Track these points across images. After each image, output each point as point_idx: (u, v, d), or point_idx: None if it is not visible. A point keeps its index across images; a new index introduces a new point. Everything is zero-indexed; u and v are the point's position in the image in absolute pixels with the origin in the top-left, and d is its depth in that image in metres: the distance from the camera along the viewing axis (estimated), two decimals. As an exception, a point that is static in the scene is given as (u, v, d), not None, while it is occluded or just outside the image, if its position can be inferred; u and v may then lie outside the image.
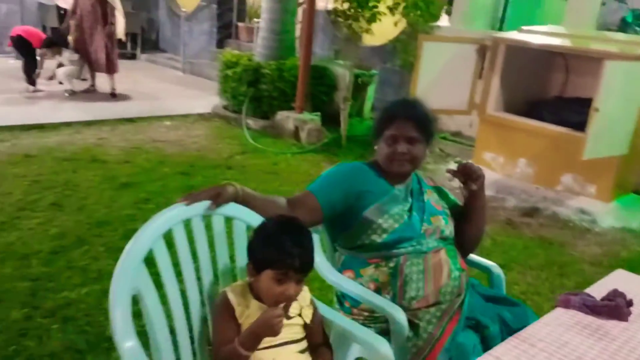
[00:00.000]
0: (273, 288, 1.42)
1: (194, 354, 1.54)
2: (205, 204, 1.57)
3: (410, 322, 1.69)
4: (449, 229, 1.88)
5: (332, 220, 1.85)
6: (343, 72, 5.93)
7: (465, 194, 1.90)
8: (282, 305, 1.41)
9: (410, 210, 1.85)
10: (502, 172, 5.12)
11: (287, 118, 5.99)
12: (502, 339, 1.73)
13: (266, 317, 1.38)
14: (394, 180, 1.90)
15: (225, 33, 9.90)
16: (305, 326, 1.53)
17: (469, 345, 1.67)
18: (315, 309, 1.56)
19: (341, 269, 1.89)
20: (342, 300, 1.87)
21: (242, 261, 1.65)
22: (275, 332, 1.38)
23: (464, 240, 1.93)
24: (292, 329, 1.51)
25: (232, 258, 1.66)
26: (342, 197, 1.84)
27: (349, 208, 1.83)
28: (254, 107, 6.27)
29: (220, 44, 9.76)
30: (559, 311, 1.45)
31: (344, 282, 1.82)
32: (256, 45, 6.85)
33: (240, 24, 9.70)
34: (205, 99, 7.32)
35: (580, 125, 4.32)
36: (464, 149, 5.80)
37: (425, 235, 1.82)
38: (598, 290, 1.53)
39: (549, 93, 5.51)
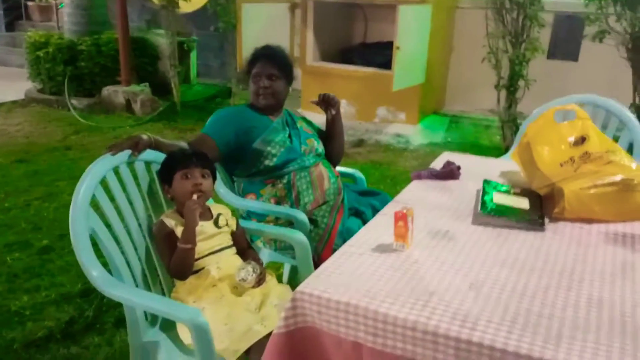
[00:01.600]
0: (184, 185, 1.79)
1: (144, 274, 1.82)
2: (128, 152, 1.82)
3: (309, 220, 2.14)
4: (320, 147, 2.35)
5: (227, 155, 2.20)
6: (164, 41, 6.03)
7: (329, 117, 2.38)
8: (196, 196, 1.79)
9: (290, 137, 2.28)
10: (328, 114, 5.78)
11: (115, 92, 5.94)
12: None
13: (187, 208, 1.75)
14: (269, 114, 2.31)
15: (14, 14, 9.07)
16: (232, 234, 1.89)
17: (354, 227, 2.18)
18: (237, 219, 1.93)
19: (243, 194, 2.26)
20: (248, 219, 2.25)
21: (165, 195, 1.95)
22: (195, 217, 1.74)
23: (331, 155, 2.42)
24: (224, 237, 1.86)
25: (156, 195, 1.94)
26: (234, 135, 2.20)
27: (241, 144, 2.20)
28: (75, 86, 6.07)
29: (11, 27, 8.95)
30: (414, 183, 2.01)
31: (250, 203, 2.20)
32: (62, 22, 6.55)
33: (30, 3, 8.97)
34: (10, 86, 6.83)
35: (385, 64, 5.13)
36: (294, 99, 6.35)
37: (304, 154, 2.27)
38: (435, 165, 2.13)
39: (354, 40, 6.27)
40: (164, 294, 1.87)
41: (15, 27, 8.95)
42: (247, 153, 2.20)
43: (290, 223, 2.18)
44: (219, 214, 1.87)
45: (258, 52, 2.32)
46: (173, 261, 1.74)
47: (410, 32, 4.92)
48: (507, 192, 1.84)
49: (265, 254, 2.26)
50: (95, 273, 1.59)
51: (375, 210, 2.32)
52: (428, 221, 1.69)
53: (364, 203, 2.33)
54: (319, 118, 2.48)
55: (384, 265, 1.41)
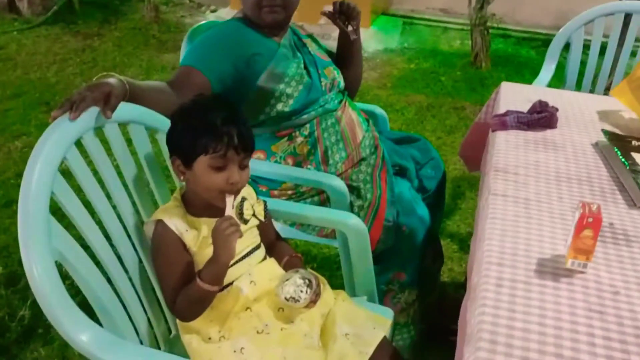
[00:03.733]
0: (214, 178, 1.12)
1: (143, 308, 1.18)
2: (94, 113, 1.09)
3: (348, 187, 1.55)
4: (341, 78, 1.71)
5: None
6: None
7: (353, 36, 1.71)
8: (231, 202, 1.13)
9: (305, 67, 1.61)
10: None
11: (-10, -14, 4.64)
12: (417, 176, 1.75)
13: (219, 232, 1.09)
14: (273, 35, 1.61)
15: None
16: (260, 225, 1.27)
17: (405, 192, 1.63)
18: (264, 203, 1.29)
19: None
20: (255, 186, 1.61)
21: (155, 174, 1.25)
22: (231, 244, 1.10)
23: (348, 90, 1.79)
24: (252, 233, 1.24)
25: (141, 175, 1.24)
26: (232, 67, 1.49)
27: (241, 79, 1.51)
28: None
29: None
30: (501, 134, 1.47)
31: (258, 165, 1.55)
32: None
33: None
34: None
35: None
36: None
37: (326, 92, 1.62)
38: (505, 106, 1.59)
39: None
40: (166, 323, 1.25)
41: None
42: (250, 93, 1.52)
43: (318, 194, 1.57)
44: (243, 199, 1.22)
45: None
46: (184, 299, 1.11)
47: None
48: (641, 149, 1.35)
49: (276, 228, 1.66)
50: (85, 337, 0.93)
51: (416, 164, 1.77)
52: (564, 207, 1.17)
53: (404, 155, 1.76)
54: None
55: (577, 309, 0.90)
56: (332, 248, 2.17)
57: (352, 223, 1.36)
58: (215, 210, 1.17)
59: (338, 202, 1.52)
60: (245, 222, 1.20)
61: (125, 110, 1.17)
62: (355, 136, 1.63)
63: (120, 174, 1.17)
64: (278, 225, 1.67)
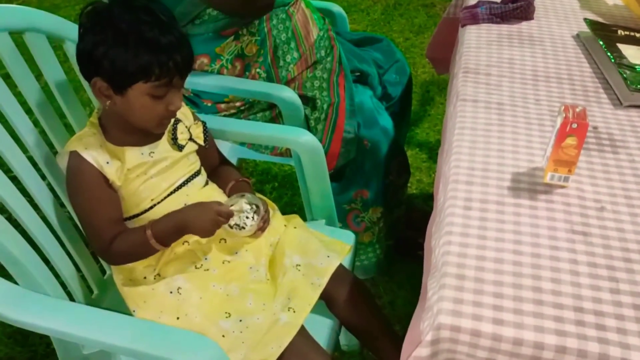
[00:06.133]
0: (153, 107, 0.94)
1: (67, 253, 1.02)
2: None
3: (301, 97, 1.37)
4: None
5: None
6: None
7: None
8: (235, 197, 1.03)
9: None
10: None
11: None
12: (380, 83, 1.58)
13: (206, 208, 0.98)
14: None
15: None
16: (200, 149, 1.11)
17: (367, 102, 1.46)
18: (204, 124, 1.12)
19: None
20: (199, 101, 1.42)
21: (65, 95, 1.06)
22: (211, 232, 0.98)
23: None
24: (189, 160, 1.08)
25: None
26: None
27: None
28: None
29: None
30: (471, 30, 1.28)
31: (200, 78, 1.35)
32: None
33: None
34: None
35: None
36: None
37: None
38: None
39: None
40: (97, 263, 1.11)
41: None
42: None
43: (270, 107, 1.40)
44: (176, 122, 1.05)
45: None
46: (121, 245, 0.96)
47: None
48: (629, 39, 1.19)
49: (226, 148, 1.49)
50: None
51: (381, 69, 1.59)
52: (542, 111, 1.02)
53: (366, 59, 1.56)
54: None
55: (557, 231, 0.77)
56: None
57: (304, 140, 1.19)
58: (142, 137, 1.00)
59: (290, 115, 1.35)
60: (180, 148, 1.04)
61: (19, 15, 0.96)
62: (308, 34, 1.42)
63: (19, 94, 0.97)
64: (228, 145, 1.51)
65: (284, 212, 1.17)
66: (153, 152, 1.00)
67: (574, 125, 0.78)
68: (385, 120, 1.45)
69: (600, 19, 1.32)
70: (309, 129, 1.39)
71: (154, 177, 1.00)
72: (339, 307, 1.06)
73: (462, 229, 0.77)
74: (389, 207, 1.52)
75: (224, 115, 1.41)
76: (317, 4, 1.70)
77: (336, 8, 1.75)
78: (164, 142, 1.02)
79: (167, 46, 0.91)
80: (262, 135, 1.26)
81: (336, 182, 1.46)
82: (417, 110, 2.28)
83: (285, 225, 1.12)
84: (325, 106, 1.40)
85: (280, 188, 1.94)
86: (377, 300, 1.49)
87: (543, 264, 0.72)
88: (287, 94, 1.34)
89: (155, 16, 0.93)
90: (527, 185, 0.84)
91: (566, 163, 0.81)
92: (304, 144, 1.20)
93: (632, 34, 1.22)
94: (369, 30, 3.06)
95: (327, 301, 1.06)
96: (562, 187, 0.84)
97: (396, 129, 1.51)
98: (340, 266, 1.08)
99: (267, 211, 1.06)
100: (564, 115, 0.79)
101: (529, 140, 0.94)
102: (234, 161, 1.51)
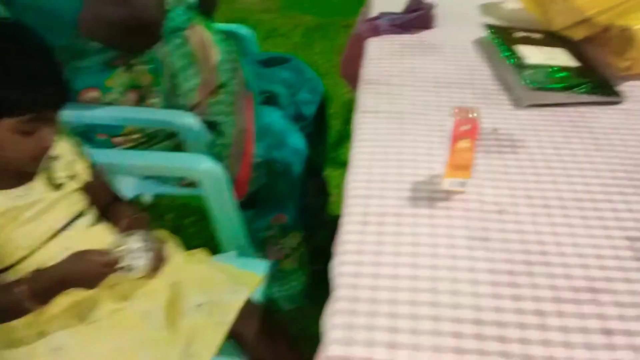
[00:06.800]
0: (22, 144, 0.84)
1: None
2: None
3: (205, 123, 1.30)
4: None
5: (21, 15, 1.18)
6: None
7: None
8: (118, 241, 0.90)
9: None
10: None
11: None
12: (292, 103, 1.54)
13: (88, 258, 0.88)
14: None
15: None
16: (87, 187, 1.01)
17: (276, 122, 1.40)
18: (89, 159, 1.03)
19: (74, 92, 1.29)
20: (92, 135, 1.32)
21: None
22: (96, 282, 0.89)
23: (200, 4, 1.50)
24: (70, 200, 0.97)
25: None
26: None
27: None
28: None
29: None
30: (374, 42, 1.25)
31: (91, 111, 1.25)
32: None
33: None
34: None
35: None
36: None
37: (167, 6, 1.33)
38: (379, 9, 1.37)
39: None
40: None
41: None
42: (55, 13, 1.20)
43: (171, 136, 1.32)
44: (52, 160, 0.95)
45: None
46: None
47: None
48: (527, 40, 1.19)
49: (130, 184, 1.39)
50: None
51: (291, 88, 1.54)
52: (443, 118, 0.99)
53: (274, 79, 1.51)
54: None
55: (456, 239, 0.72)
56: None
57: (204, 168, 1.12)
58: (12, 177, 0.89)
59: (193, 143, 1.27)
60: (58, 187, 0.94)
61: None
62: (208, 57, 1.36)
63: None
64: (132, 181, 1.41)
65: (207, 248, 1.08)
66: (26, 195, 0.90)
67: (465, 127, 0.74)
68: (297, 140, 1.40)
69: (500, 23, 1.32)
70: (216, 156, 1.31)
71: (29, 222, 0.90)
72: (250, 344, 0.97)
73: (357, 246, 0.71)
74: (310, 230, 1.45)
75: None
76: (224, 27, 1.64)
77: (244, 30, 1.70)
78: (38, 183, 0.92)
79: (36, 77, 0.82)
80: (157, 166, 1.18)
81: (250, 209, 1.39)
82: (341, 129, 2.25)
83: (186, 262, 1.03)
84: (231, 131, 1.33)
85: (201, 221, 1.85)
86: (305, 331, 1.41)
87: (441, 276, 0.67)
88: (188, 120, 1.26)
89: (25, 45, 0.84)
90: (427, 194, 0.80)
91: (462, 167, 0.77)
92: (205, 171, 1.12)
93: (529, 34, 1.22)
94: (292, 53, 3.03)
95: (237, 339, 0.98)
96: (461, 192, 0.79)
97: (312, 149, 1.46)
98: (250, 300, 1.00)
99: (161, 249, 0.97)
100: (455, 117, 0.75)
101: (430, 147, 0.90)
102: (146, 196, 1.42)
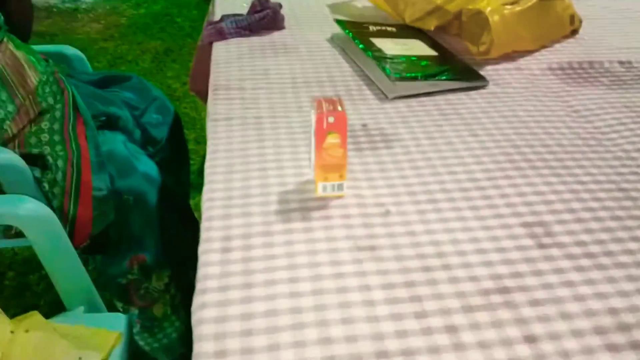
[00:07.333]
0: None
1: None
2: None
3: (26, 157, 1.06)
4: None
5: None
6: None
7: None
8: None
9: None
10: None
11: None
12: (138, 125, 1.35)
13: None
14: None
15: None
16: None
17: (119, 148, 1.20)
18: None
19: None
20: None
21: None
22: None
23: (13, 21, 1.27)
24: None
25: None
26: None
27: None
28: None
29: None
30: (220, 46, 1.11)
31: None
32: None
33: None
34: None
35: None
36: None
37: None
38: (222, 12, 1.24)
39: None
40: None
41: None
42: None
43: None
44: None
45: None
46: None
47: None
48: (382, 33, 1.12)
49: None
50: None
51: (135, 110, 1.35)
52: (306, 118, 0.88)
53: (113, 101, 1.31)
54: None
55: (340, 253, 0.60)
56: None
57: (25, 211, 0.90)
58: None
59: (13, 183, 1.03)
60: None
61: None
62: (24, 81, 1.13)
63: None
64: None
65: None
66: None
67: (331, 119, 0.62)
68: (146, 165, 1.21)
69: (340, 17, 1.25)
70: (46, 195, 1.08)
71: None
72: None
73: (219, 281, 0.56)
74: (179, 267, 1.26)
75: None
76: (46, 49, 1.41)
77: (70, 50, 1.47)
78: None
79: None
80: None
81: (101, 254, 1.17)
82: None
83: (12, 332, 0.81)
84: (60, 163, 1.11)
85: (24, 276, 1.57)
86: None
87: (328, 303, 0.53)
88: (2, 157, 1.03)
89: None
90: (298, 205, 0.67)
91: (335, 167, 0.65)
92: (27, 215, 0.90)
93: (383, 28, 1.15)
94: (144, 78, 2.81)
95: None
96: (339, 197, 0.68)
97: (169, 176, 1.28)
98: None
99: None
100: (317, 110, 0.64)
101: (295, 152, 0.78)
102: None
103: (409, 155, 0.77)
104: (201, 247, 0.61)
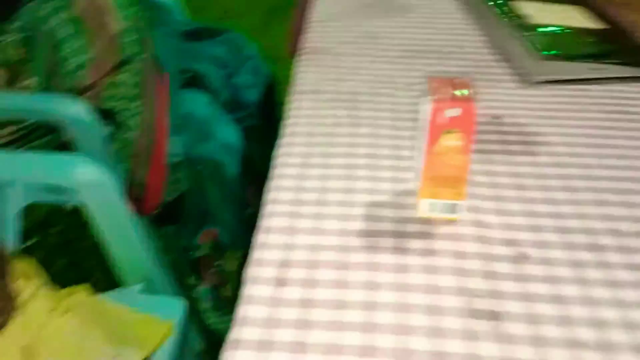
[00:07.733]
0: None
1: None
2: None
3: (99, 111, 0.96)
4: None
5: None
6: None
7: None
8: None
9: None
10: None
11: None
12: (227, 85, 1.21)
13: None
14: None
15: None
16: None
17: (200, 110, 1.07)
18: None
19: None
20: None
21: None
22: None
23: None
24: None
25: None
26: None
27: None
28: None
29: None
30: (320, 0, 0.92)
31: None
32: None
33: None
34: None
35: None
36: None
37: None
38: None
39: None
40: None
41: None
42: None
43: (53, 130, 0.97)
44: None
45: None
46: None
47: None
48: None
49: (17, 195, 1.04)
50: None
51: (226, 68, 1.21)
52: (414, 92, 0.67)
53: (200, 56, 1.18)
54: None
55: (446, 317, 0.40)
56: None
57: (79, 175, 0.78)
58: None
59: (83, 139, 0.93)
60: None
61: None
62: (104, 26, 1.02)
63: None
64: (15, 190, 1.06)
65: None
66: None
67: (452, 112, 0.42)
68: (227, 133, 1.07)
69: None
70: (115, 156, 0.98)
71: None
72: None
73: (261, 333, 0.38)
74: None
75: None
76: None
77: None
78: None
79: None
80: (26, 172, 0.83)
81: (172, 224, 1.06)
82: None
83: (50, 312, 0.70)
84: (134, 122, 0.99)
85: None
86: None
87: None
88: (75, 109, 0.92)
89: None
90: (392, 226, 0.47)
91: (450, 181, 0.45)
92: (81, 178, 0.78)
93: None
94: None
95: None
96: (452, 221, 0.47)
97: (254, 145, 1.14)
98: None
99: (8, 300, 0.64)
100: (433, 95, 0.43)
101: (397, 146, 0.58)
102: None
103: (560, 168, 0.54)
104: (247, 275, 0.44)
